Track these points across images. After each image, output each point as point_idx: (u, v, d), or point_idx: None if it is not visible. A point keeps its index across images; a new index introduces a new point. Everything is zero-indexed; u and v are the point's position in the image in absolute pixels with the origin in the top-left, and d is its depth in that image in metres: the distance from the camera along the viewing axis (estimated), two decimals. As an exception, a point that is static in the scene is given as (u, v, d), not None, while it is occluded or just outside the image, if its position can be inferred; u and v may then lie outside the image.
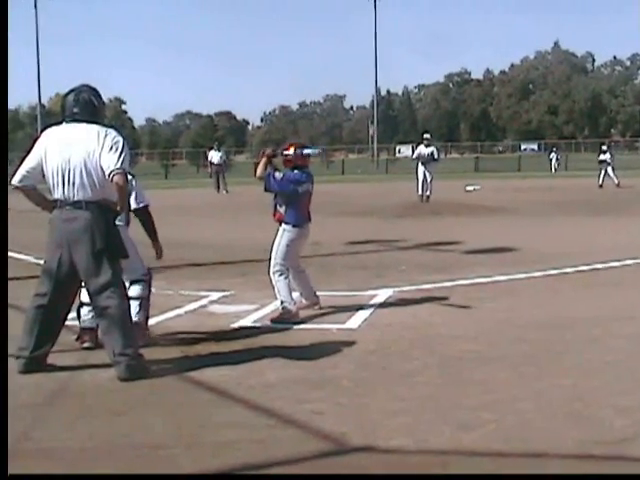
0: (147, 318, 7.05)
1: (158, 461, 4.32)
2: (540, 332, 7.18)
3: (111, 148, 5.87)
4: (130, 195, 6.74)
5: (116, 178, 5.83)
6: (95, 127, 5.98)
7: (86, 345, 6.69)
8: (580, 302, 8.58)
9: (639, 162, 50.97)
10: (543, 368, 6.03)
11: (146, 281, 6.99)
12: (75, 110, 6.03)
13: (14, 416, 5.02)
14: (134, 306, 6.66)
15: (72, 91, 6.13)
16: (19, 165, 6.13)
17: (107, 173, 5.84)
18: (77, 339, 6.79)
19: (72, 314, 6.44)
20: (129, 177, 6.27)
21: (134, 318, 6.59)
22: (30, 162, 6.06)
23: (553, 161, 54.50)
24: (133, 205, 6.92)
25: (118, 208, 6.06)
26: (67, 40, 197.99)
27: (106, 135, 5.94)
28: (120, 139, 5.98)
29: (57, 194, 5.98)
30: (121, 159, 5.87)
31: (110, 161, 5.84)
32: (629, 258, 11.43)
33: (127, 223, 6.91)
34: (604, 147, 33.64)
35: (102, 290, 5.93)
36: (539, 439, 4.54)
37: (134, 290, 6.82)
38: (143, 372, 5.91)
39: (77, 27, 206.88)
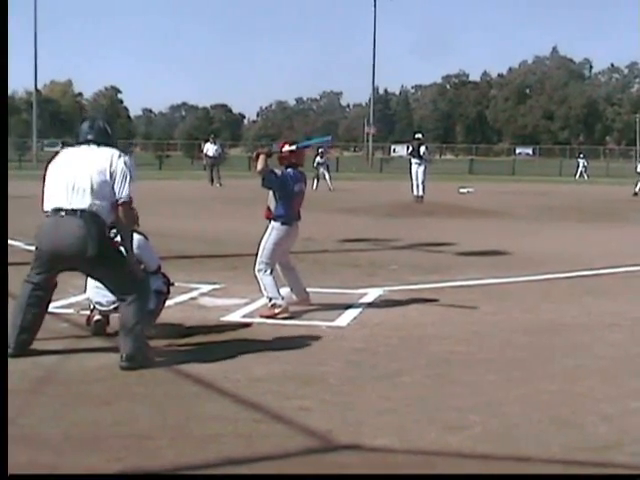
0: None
1: (143, 452, 4.30)
2: (529, 336, 7.20)
3: (122, 172, 6.08)
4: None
5: (122, 207, 6.07)
6: (109, 149, 6.22)
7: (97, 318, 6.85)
8: (569, 308, 8.59)
9: (633, 170, 51.09)
10: (530, 372, 6.04)
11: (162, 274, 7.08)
12: (90, 137, 6.28)
13: None
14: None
15: (86, 119, 6.56)
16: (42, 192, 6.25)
17: (116, 198, 6.05)
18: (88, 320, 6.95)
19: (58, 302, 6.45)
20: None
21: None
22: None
23: (580, 167, 51.92)
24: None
25: (124, 227, 6.20)
26: (65, 27, 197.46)
27: (119, 157, 6.17)
28: (129, 164, 6.22)
29: (55, 202, 6.02)
30: (129, 187, 6.11)
31: (120, 188, 6.06)
32: (618, 266, 11.46)
33: None
34: None
35: (118, 293, 6.12)
36: (524, 443, 4.55)
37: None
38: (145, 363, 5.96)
39: (76, 14, 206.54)
